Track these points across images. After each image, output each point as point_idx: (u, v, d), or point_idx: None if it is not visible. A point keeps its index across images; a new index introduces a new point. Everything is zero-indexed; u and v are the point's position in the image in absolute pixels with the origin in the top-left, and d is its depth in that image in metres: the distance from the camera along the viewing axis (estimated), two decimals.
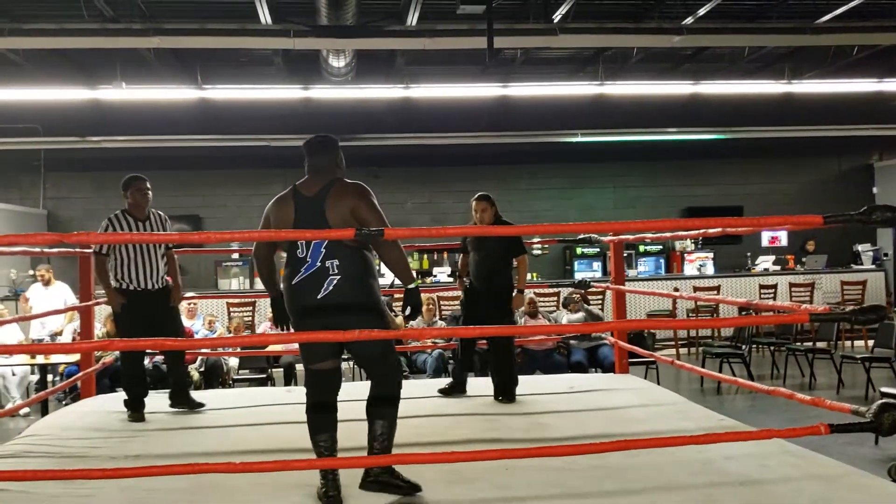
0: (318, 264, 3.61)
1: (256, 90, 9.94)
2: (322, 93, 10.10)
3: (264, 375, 8.07)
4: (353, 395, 5.85)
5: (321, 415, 3.70)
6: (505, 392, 5.58)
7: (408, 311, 3.76)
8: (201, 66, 9.81)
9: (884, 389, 6.37)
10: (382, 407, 3.73)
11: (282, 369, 8.51)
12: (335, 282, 3.58)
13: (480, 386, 6.45)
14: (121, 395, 6.62)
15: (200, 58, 9.77)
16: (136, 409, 5.28)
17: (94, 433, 4.84)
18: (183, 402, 5.47)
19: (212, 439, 4.74)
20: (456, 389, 5.81)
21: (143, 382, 5.52)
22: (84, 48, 8.42)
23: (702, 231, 4.31)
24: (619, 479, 3.71)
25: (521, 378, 5.86)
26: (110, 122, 11.45)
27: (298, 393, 6.17)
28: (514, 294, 5.72)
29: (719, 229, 4.12)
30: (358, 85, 9.79)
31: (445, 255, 12.81)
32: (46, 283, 8.97)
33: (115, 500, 3.60)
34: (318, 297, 3.59)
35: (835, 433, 3.17)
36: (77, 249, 5.84)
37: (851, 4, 7.74)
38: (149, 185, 5.38)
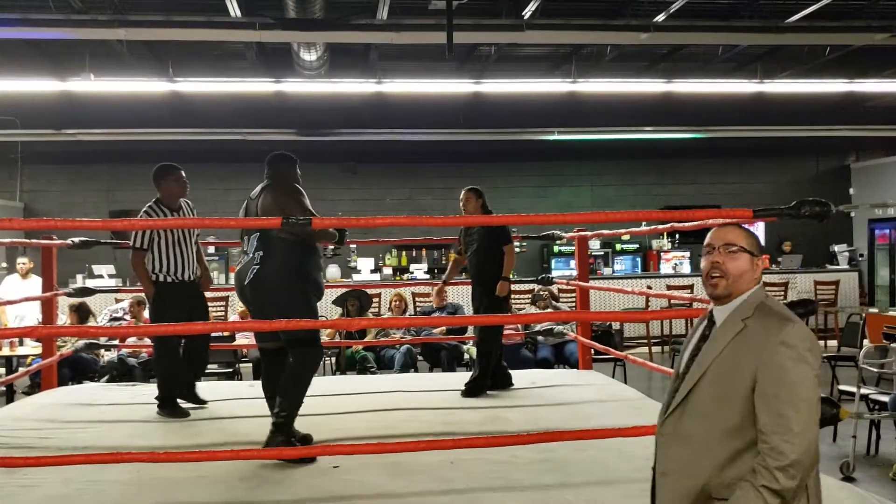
0: (251, 255, 4.13)
1: (228, 83, 9.90)
2: (294, 87, 10.07)
3: (231, 370, 8.05)
4: (333, 389, 5.90)
5: (266, 384, 4.34)
6: (466, 385, 5.59)
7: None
8: (173, 60, 9.75)
9: (841, 387, 6.42)
10: (286, 385, 4.10)
11: (251, 364, 8.48)
12: (255, 270, 4.07)
13: (444, 381, 6.49)
14: (83, 387, 6.62)
15: (172, 51, 9.72)
16: (177, 404, 5.14)
17: (48, 424, 4.81)
18: (190, 398, 5.27)
19: (164, 432, 4.73)
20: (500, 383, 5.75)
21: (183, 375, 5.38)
22: (51, 39, 8.37)
23: (649, 227, 4.34)
24: (562, 472, 3.72)
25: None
26: (85, 115, 11.37)
27: (260, 388, 6.18)
28: (499, 283, 5.67)
29: (668, 224, 4.15)
30: (330, 79, 9.77)
31: (424, 252, 12.81)
32: (24, 275, 8.85)
33: (57, 491, 3.58)
34: (245, 282, 4.11)
35: None
36: (44, 241, 5.78)
37: (819, 4, 7.77)
38: (184, 174, 5.36)
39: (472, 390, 5.55)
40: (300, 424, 4.33)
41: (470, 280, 6.00)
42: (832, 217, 3.12)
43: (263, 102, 11.36)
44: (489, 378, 5.66)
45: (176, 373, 5.26)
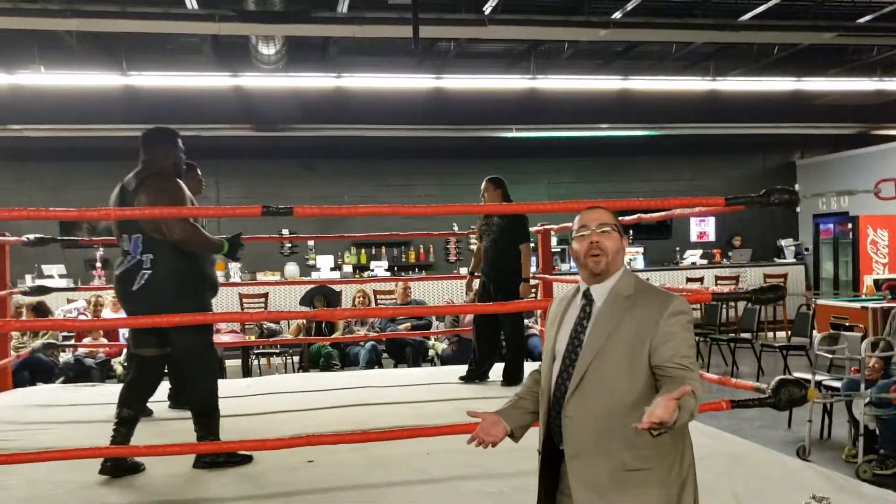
0: (137, 257, 3.77)
1: (184, 77, 9.69)
2: (252, 81, 9.93)
3: None
4: (300, 386, 5.80)
5: (135, 393, 3.94)
6: (504, 375, 5.66)
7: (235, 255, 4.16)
8: (126, 53, 9.51)
9: (796, 375, 6.60)
10: (196, 405, 3.88)
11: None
12: (146, 276, 3.75)
13: (411, 376, 6.51)
14: (40, 389, 6.45)
15: (125, 44, 9.47)
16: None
17: (7, 426, 4.70)
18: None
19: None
20: (475, 376, 5.79)
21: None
22: None
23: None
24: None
25: (456, 367, 5.93)
26: (32, 110, 11.03)
27: (224, 386, 6.11)
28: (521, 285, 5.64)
29: (636, 216, 4.21)
30: (288, 73, 9.66)
31: (383, 250, 12.78)
32: None
33: (24, 493, 3.50)
34: (133, 288, 3.76)
35: (737, 409, 3.29)
36: None
37: (769, 4, 8.00)
38: (200, 172, 5.23)
39: (510, 378, 5.61)
40: (274, 421, 4.30)
41: (480, 273, 5.90)
42: (797, 204, 3.21)
43: (220, 97, 11.17)
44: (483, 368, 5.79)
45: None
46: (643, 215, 4.17)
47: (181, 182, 3.87)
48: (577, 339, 2.16)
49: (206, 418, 3.84)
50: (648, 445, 2.03)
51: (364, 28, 7.42)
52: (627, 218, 4.34)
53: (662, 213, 3.75)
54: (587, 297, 2.20)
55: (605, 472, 2.07)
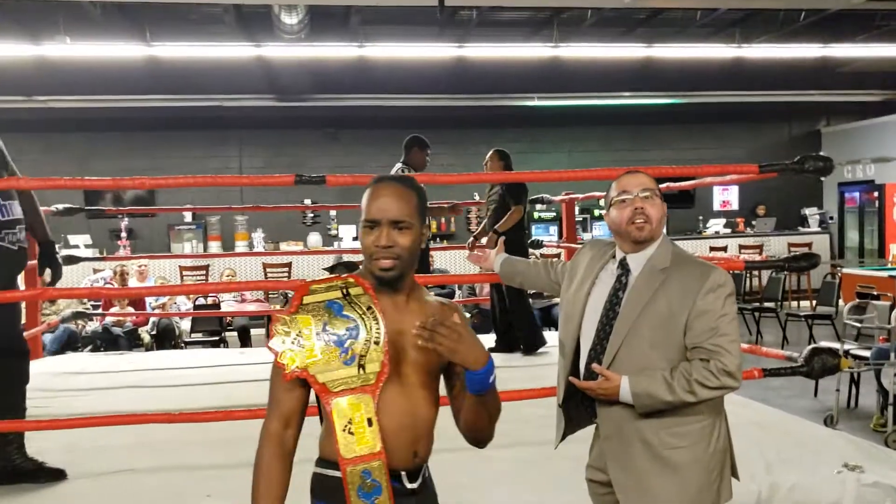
0: None
1: (207, 47, 9.69)
2: (274, 51, 9.91)
3: (217, 338, 8.01)
4: None
5: None
6: (521, 345, 5.78)
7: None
8: (150, 24, 9.52)
9: (822, 344, 6.56)
10: None
11: (236, 332, 8.46)
12: None
13: None
14: (70, 357, 6.56)
15: (148, 15, 9.49)
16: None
17: (41, 394, 4.77)
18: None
19: (159, 397, 4.75)
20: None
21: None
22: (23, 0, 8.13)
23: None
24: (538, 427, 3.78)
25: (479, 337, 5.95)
26: (58, 81, 11.07)
27: (251, 354, 6.21)
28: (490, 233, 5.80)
29: (665, 184, 4.19)
30: (311, 43, 9.62)
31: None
32: None
33: (62, 458, 3.55)
34: None
35: (769, 377, 3.29)
36: None
37: None
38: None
39: (525, 347, 5.76)
40: None
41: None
42: (831, 171, 3.17)
43: (243, 68, 11.16)
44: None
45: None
46: (671, 184, 4.13)
47: None
48: (611, 310, 2.06)
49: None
50: (682, 422, 1.99)
51: None
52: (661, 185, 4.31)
53: (694, 182, 3.71)
54: (623, 266, 2.09)
55: (642, 455, 2.01)
